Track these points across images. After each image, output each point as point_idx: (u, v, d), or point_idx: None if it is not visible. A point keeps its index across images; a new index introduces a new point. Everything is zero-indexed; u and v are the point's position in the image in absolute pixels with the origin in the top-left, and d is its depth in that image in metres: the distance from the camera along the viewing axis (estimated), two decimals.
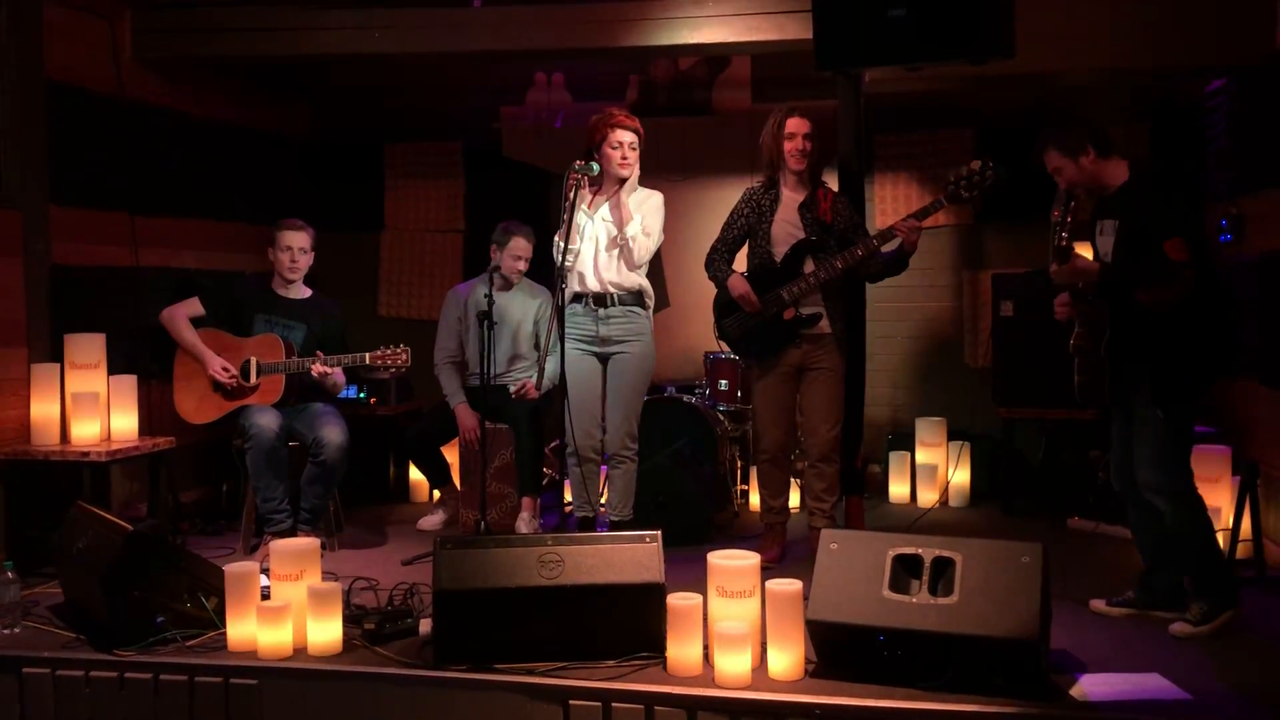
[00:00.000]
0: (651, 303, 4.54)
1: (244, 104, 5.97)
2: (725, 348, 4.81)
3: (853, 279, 4.52)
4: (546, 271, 5.02)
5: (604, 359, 4.46)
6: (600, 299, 4.41)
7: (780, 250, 4.40)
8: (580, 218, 4.35)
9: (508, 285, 5.09)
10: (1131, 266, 3.47)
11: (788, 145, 4.36)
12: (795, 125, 4.36)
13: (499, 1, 5.07)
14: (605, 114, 4.38)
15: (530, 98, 6.41)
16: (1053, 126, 3.66)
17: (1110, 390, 3.59)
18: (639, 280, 4.45)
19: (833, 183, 4.61)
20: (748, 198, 4.52)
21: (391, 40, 5.09)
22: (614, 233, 4.35)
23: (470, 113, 6.41)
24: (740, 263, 4.55)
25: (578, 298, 4.41)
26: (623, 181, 4.36)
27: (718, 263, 4.52)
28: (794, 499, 5.06)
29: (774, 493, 4.57)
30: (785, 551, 4.52)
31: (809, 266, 4.37)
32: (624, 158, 4.33)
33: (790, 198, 4.43)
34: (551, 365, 4.73)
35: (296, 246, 4.77)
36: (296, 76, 6.32)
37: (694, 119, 6.23)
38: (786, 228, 4.40)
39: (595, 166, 4.27)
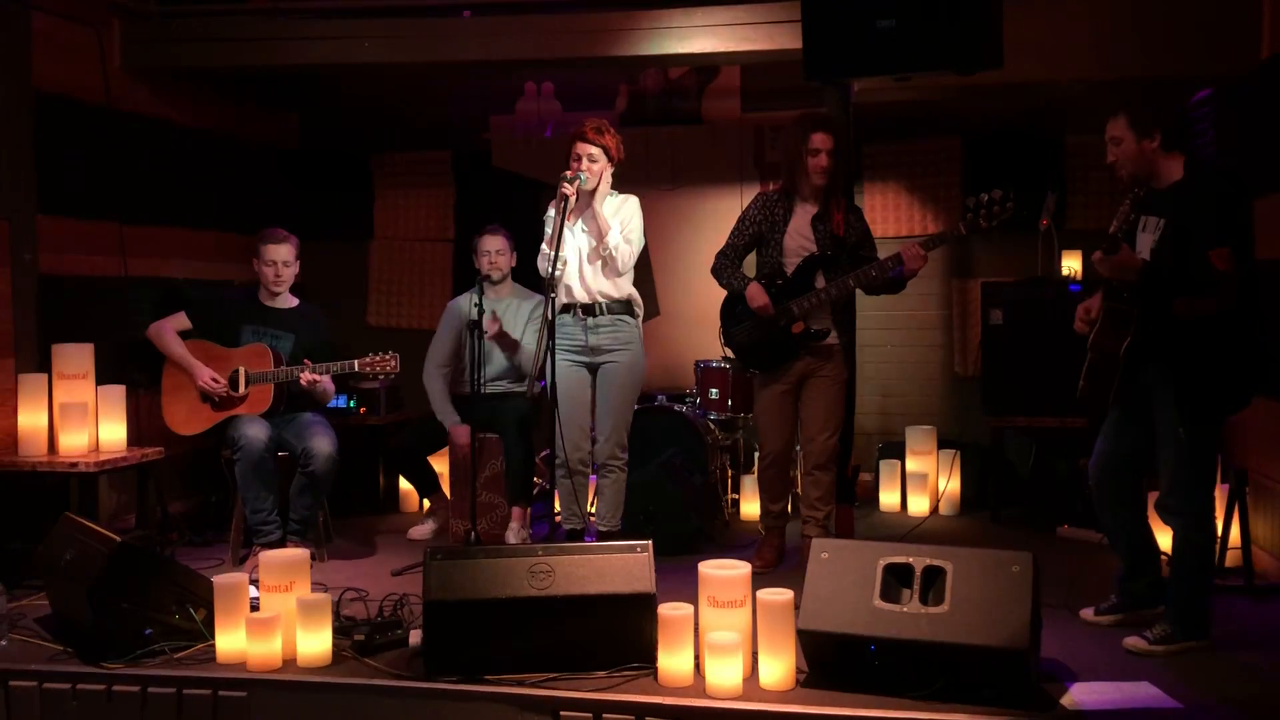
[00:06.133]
0: (640, 311, 4.52)
1: (233, 113, 5.96)
2: (719, 355, 4.79)
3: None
4: (530, 281, 5.02)
5: (593, 369, 4.45)
6: (589, 309, 4.39)
7: (791, 262, 4.37)
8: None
9: (500, 292, 5.08)
10: (1175, 271, 3.31)
11: (811, 161, 4.29)
12: (820, 141, 4.28)
13: (488, 12, 5.08)
14: (577, 127, 4.37)
15: (520, 107, 6.41)
16: (1137, 99, 3.46)
17: (1119, 391, 3.44)
18: (627, 289, 4.44)
19: None
20: (761, 204, 4.46)
21: (380, 50, 5.10)
22: (594, 243, 4.34)
23: (460, 122, 6.41)
24: (747, 268, 4.52)
25: (567, 308, 4.40)
26: (592, 193, 4.32)
27: (729, 269, 4.46)
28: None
29: (774, 498, 4.57)
30: (783, 556, 4.54)
31: (820, 281, 4.34)
32: (585, 170, 4.28)
33: (804, 209, 4.39)
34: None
35: (280, 260, 4.75)
36: (285, 86, 6.31)
37: (684, 128, 6.24)
38: (799, 239, 4.37)
39: (584, 177, 4.26)
